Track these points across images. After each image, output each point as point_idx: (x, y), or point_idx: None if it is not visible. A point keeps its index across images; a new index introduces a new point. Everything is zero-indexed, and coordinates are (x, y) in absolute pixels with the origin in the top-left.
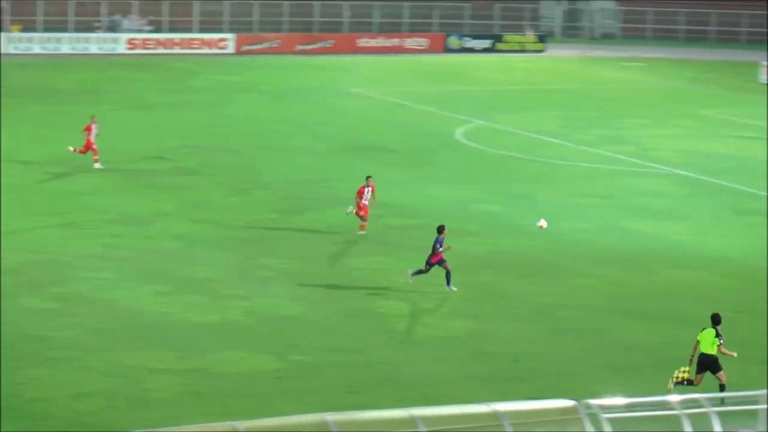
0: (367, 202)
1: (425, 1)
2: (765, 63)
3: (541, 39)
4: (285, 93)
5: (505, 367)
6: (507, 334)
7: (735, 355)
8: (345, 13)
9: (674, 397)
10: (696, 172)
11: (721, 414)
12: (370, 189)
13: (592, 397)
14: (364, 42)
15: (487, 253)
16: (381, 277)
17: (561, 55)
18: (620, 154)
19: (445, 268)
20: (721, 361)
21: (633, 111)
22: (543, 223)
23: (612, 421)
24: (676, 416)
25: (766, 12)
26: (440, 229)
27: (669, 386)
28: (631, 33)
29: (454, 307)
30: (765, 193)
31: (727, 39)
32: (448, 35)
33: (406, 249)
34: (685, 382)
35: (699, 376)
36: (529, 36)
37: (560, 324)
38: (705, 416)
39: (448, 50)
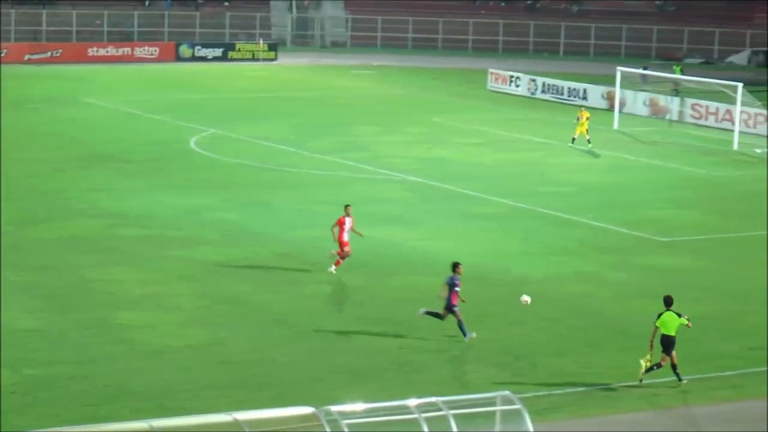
0: (346, 235)
1: (155, 9)
2: (493, 70)
3: (273, 47)
4: (16, 103)
5: (245, 375)
6: (246, 342)
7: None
8: (73, 21)
9: (412, 401)
10: (427, 179)
11: (458, 417)
12: (350, 219)
13: (334, 403)
14: (93, 51)
15: (223, 261)
16: (117, 288)
17: (292, 63)
18: (353, 161)
19: (457, 316)
20: None
21: (365, 118)
22: (526, 298)
23: (352, 426)
24: (415, 420)
25: (493, 21)
26: (455, 267)
27: (640, 377)
28: (360, 41)
29: (192, 317)
30: (495, 198)
31: (456, 47)
32: (179, 44)
33: (142, 259)
34: (655, 367)
35: (665, 356)
36: (261, 44)
37: (299, 331)
38: (443, 419)
39: (180, 59)
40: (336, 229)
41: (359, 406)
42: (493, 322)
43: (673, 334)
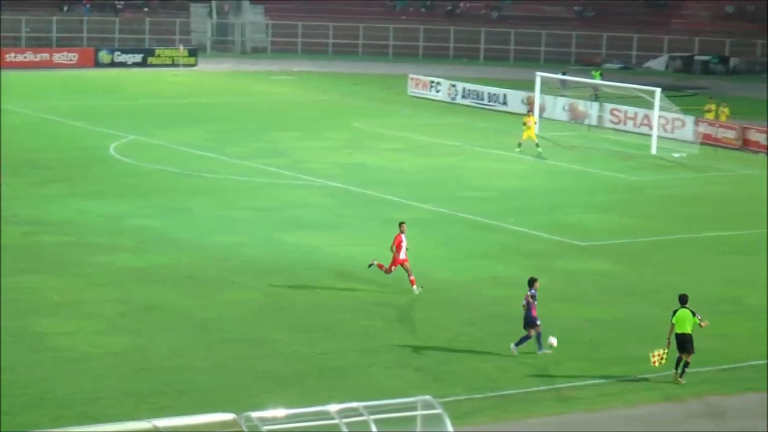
0: (404, 253)
1: (73, 15)
2: (413, 76)
3: (193, 53)
4: None
5: (167, 381)
6: (167, 349)
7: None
8: None
9: (333, 407)
10: (348, 184)
11: (379, 421)
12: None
13: (256, 409)
14: (11, 57)
15: (143, 267)
16: (36, 296)
17: (213, 69)
18: (274, 166)
19: (538, 330)
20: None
21: (285, 124)
22: (553, 341)
23: None
24: (336, 425)
25: (413, 26)
26: (532, 282)
27: (675, 379)
28: (281, 47)
29: (112, 324)
30: (415, 203)
31: (376, 52)
32: (98, 50)
33: (62, 265)
34: (685, 368)
35: (685, 354)
36: (181, 50)
37: (220, 337)
38: (364, 424)
39: (99, 65)
40: (394, 248)
41: (280, 412)
42: (414, 326)
43: (688, 331)
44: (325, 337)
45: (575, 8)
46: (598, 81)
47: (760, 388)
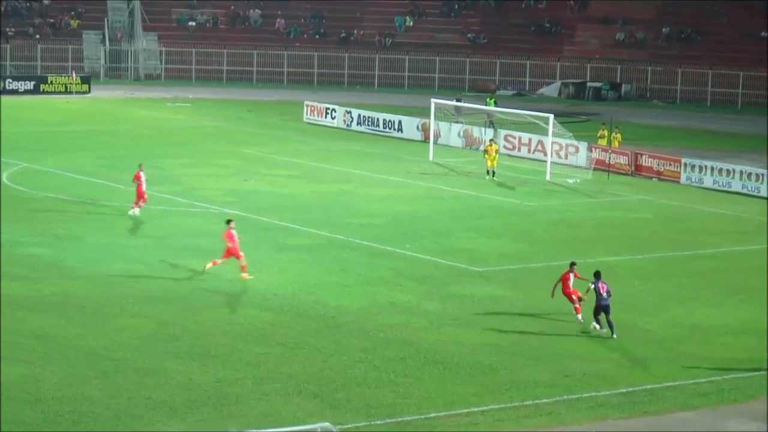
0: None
1: None
2: (308, 102)
3: (86, 80)
4: None
5: (59, 412)
6: (59, 378)
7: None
8: None
9: None
10: (242, 210)
11: None
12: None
13: None
14: None
15: (34, 296)
16: None
17: (106, 96)
18: (167, 194)
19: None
20: None
21: (179, 151)
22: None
23: None
24: None
25: (308, 53)
26: (598, 275)
27: None
28: (175, 74)
29: (4, 354)
30: (309, 229)
31: (271, 79)
32: None
33: None
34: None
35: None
36: (74, 77)
37: (113, 365)
38: None
39: None
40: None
41: None
42: (310, 354)
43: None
44: (219, 365)
45: (468, 35)
46: (492, 107)
47: (656, 412)
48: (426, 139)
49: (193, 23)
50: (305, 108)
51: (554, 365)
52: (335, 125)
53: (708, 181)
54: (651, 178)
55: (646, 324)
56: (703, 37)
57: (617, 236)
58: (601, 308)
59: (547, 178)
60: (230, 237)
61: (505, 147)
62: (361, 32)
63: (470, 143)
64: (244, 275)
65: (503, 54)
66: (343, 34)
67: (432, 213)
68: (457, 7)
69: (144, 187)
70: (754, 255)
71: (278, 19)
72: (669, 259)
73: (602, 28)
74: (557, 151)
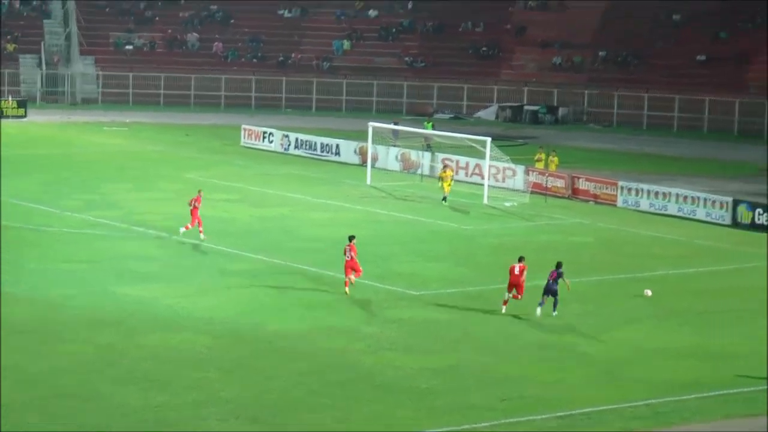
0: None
1: None
2: (246, 126)
3: (22, 104)
4: None
5: None
6: None
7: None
8: None
9: None
10: (182, 235)
11: None
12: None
13: None
14: None
15: None
16: None
17: (43, 120)
18: (106, 218)
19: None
20: None
21: (117, 175)
22: (648, 292)
23: None
24: None
25: (245, 77)
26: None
27: None
28: (112, 98)
29: None
30: (249, 254)
31: (208, 103)
32: None
33: None
34: None
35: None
36: (9, 101)
37: (52, 391)
38: None
39: None
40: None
41: None
42: (249, 378)
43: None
44: (157, 390)
45: (406, 59)
46: (429, 131)
47: None
48: (364, 163)
49: (131, 47)
50: (243, 132)
51: (492, 389)
52: (273, 149)
53: (644, 204)
54: (588, 201)
55: (585, 347)
56: (640, 61)
57: (557, 260)
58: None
59: (485, 201)
60: (353, 250)
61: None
62: (299, 56)
63: (408, 167)
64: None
65: (441, 77)
66: (281, 58)
67: (371, 237)
68: (394, 30)
69: (198, 212)
70: (691, 278)
71: (216, 43)
72: (608, 283)
73: (539, 52)
74: (495, 174)
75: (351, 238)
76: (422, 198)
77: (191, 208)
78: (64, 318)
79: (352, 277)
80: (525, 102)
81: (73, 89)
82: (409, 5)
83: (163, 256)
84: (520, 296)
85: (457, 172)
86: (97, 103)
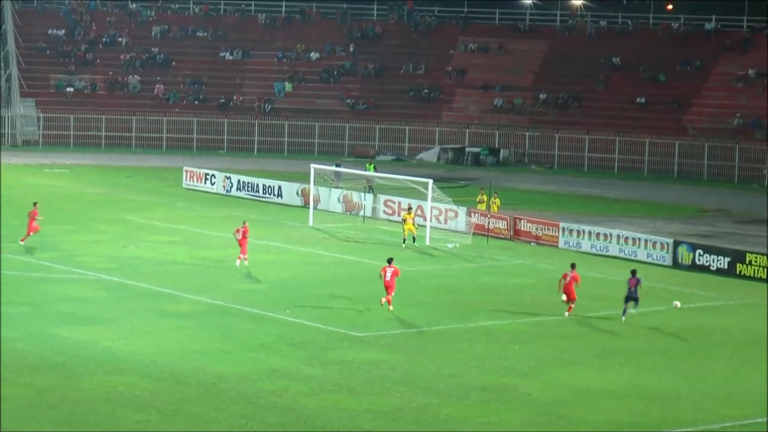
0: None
1: None
2: (188, 168)
3: None
4: None
5: None
6: None
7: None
8: None
9: None
10: (123, 277)
11: None
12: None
13: None
14: None
15: None
16: None
17: None
18: (46, 260)
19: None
20: None
21: (57, 217)
22: (677, 303)
23: None
24: None
25: (187, 119)
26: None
27: None
28: (53, 140)
29: None
30: (190, 296)
31: (150, 145)
32: None
33: None
34: None
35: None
36: None
37: None
38: None
39: None
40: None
41: None
42: (190, 420)
43: None
44: None
45: (348, 101)
46: (371, 173)
47: None
48: (306, 205)
49: (72, 89)
50: (185, 173)
51: (435, 430)
52: (215, 191)
53: (586, 246)
54: (529, 242)
55: (526, 387)
56: (580, 103)
57: (499, 301)
58: (630, 298)
59: (427, 242)
60: (394, 273)
61: (384, 212)
62: (241, 98)
63: (350, 208)
64: (389, 307)
65: (382, 119)
66: (223, 100)
67: (313, 278)
68: (336, 72)
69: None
70: (633, 319)
71: (157, 85)
72: (549, 323)
73: (480, 94)
74: (437, 215)
75: (389, 261)
76: (364, 239)
77: (239, 238)
78: (4, 361)
79: None
80: (467, 144)
81: (14, 131)
82: (351, 48)
83: (103, 298)
84: (572, 302)
85: (398, 214)
86: (38, 145)
